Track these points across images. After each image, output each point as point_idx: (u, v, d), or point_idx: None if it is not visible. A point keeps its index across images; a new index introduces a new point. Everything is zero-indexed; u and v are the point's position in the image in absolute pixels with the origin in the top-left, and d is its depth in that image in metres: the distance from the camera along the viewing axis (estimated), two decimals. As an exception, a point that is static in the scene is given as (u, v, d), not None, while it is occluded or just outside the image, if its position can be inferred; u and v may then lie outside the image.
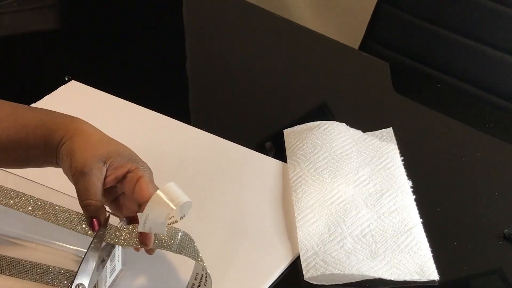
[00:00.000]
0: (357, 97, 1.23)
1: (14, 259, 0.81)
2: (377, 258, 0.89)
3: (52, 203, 0.80)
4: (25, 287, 0.81)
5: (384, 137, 1.08)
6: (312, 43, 1.39)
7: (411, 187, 1.00)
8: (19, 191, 0.81)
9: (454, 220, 0.98)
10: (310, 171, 1.00)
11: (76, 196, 0.77)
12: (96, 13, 1.44)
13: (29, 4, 1.47)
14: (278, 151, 1.07)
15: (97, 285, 0.78)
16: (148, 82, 1.25)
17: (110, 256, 0.79)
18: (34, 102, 1.10)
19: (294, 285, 0.89)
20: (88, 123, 0.81)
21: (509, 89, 1.35)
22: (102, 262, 0.77)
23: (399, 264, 0.88)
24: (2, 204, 0.81)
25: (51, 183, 0.83)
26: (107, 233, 0.78)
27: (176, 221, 0.76)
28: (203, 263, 0.78)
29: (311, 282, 0.87)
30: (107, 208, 0.80)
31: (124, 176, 0.78)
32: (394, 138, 1.08)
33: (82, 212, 0.78)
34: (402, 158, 1.04)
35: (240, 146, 1.07)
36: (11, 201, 0.80)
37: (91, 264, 0.75)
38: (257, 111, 1.19)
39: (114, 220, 0.80)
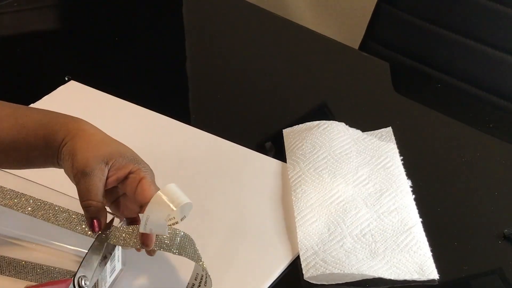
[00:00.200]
0: (357, 97, 1.23)
1: (14, 259, 0.81)
2: (377, 258, 0.89)
3: (52, 204, 0.80)
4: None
5: (384, 136, 1.08)
6: (312, 43, 1.39)
7: (411, 187, 1.00)
8: (19, 192, 0.81)
9: (454, 220, 0.98)
10: (310, 171, 1.00)
11: (76, 197, 0.77)
12: (96, 13, 1.44)
13: (29, 4, 1.47)
14: (278, 151, 1.07)
15: (97, 285, 0.78)
16: (148, 82, 1.25)
17: (111, 255, 0.79)
18: (34, 102, 1.10)
19: (294, 284, 0.89)
20: (90, 123, 0.81)
21: (509, 89, 1.35)
22: (104, 258, 0.77)
23: (398, 264, 0.88)
24: (2, 204, 0.81)
25: (51, 183, 0.83)
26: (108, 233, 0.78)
27: (176, 222, 0.76)
28: (203, 264, 0.78)
29: (311, 281, 0.87)
30: (109, 210, 0.80)
31: (125, 177, 0.78)
32: (393, 137, 1.08)
33: (82, 212, 0.78)
34: (402, 157, 1.04)
35: (240, 146, 1.07)
36: (11, 202, 0.80)
37: (94, 259, 0.75)
38: (257, 111, 1.18)
39: (114, 221, 0.80)
